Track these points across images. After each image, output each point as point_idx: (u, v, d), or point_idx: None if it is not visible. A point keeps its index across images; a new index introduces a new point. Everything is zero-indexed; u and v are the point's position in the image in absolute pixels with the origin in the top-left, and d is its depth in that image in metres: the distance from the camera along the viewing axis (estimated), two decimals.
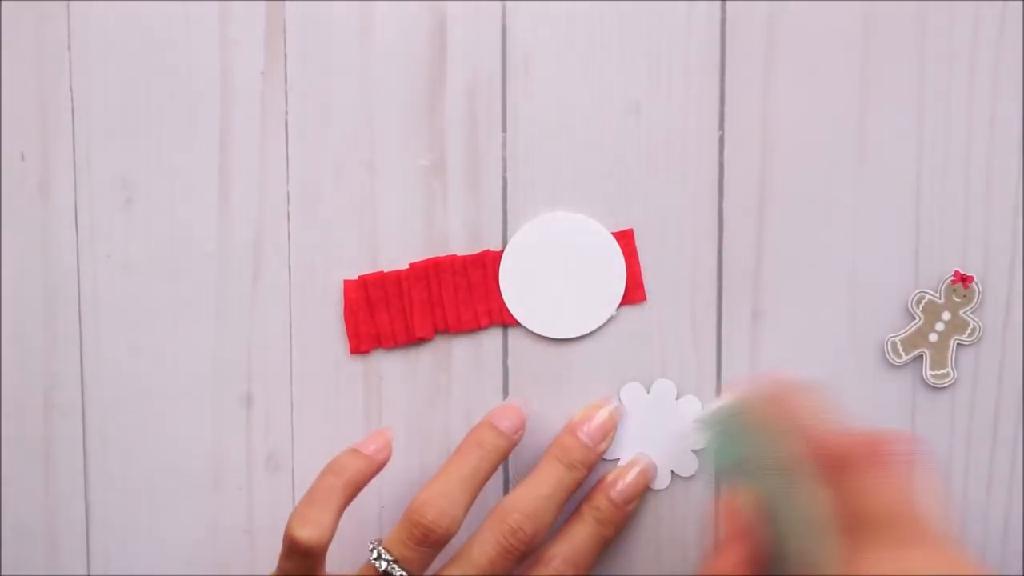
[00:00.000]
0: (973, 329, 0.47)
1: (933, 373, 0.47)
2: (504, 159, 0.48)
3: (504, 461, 0.47)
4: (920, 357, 0.48)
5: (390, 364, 0.49)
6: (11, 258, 0.49)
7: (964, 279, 0.47)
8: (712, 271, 0.48)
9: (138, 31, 0.48)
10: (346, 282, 0.48)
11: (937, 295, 0.47)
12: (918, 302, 0.47)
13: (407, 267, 0.48)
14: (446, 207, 0.48)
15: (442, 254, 0.48)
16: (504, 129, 0.48)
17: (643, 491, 0.48)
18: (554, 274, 0.48)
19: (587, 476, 0.47)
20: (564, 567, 0.46)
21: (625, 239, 0.48)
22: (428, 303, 0.48)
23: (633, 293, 0.48)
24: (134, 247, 0.49)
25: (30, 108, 0.49)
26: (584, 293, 0.48)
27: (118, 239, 0.49)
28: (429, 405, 0.49)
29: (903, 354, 0.47)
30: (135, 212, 0.49)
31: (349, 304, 0.49)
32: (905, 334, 0.47)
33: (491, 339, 0.49)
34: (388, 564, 0.44)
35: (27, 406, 0.50)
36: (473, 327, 0.49)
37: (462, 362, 0.49)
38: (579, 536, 0.46)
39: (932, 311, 0.47)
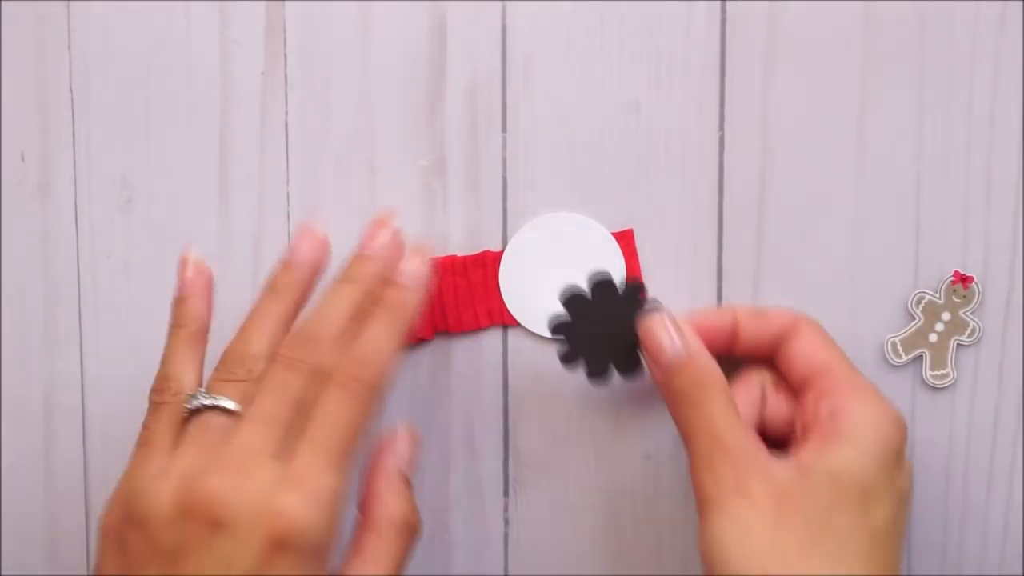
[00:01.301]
0: (973, 329, 0.47)
1: (933, 373, 0.47)
2: (504, 159, 0.48)
3: (310, 288, 0.44)
4: (920, 357, 0.48)
5: None
6: (11, 258, 0.49)
7: (964, 279, 0.47)
8: (712, 271, 0.48)
9: (138, 31, 0.48)
10: None
11: (937, 295, 0.47)
12: (918, 302, 0.47)
13: None
14: (446, 207, 0.48)
15: (442, 254, 0.48)
16: (504, 129, 0.48)
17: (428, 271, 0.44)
18: (554, 274, 0.48)
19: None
20: (352, 378, 0.42)
21: (625, 239, 0.48)
22: (428, 303, 0.48)
23: None
24: (134, 247, 0.49)
25: (30, 108, 0.49)
26: None
27: (118, 239, 0.49)
28: (429, 405, 0.49)
29: (903, 354, 0.47)
30: (135, 212, 0.49)
31: None
32: (905, 334, 0.47)
33: (491, 339, 0.49)
34: (203, 397, 0.42)
35: (27, 406, 0.50)
36: (473, 327, 0.49)
37: (462, 362, 0.49)
38: (368, 336, 0.42)
39: (932, 311, 0.47)
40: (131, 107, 0.48)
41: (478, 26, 0.47)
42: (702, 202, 0.48)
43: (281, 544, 0.38)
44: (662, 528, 0.49)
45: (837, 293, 0.48)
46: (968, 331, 0.47)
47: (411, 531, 0.43)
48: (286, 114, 0.48)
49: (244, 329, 0.44)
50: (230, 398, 0.42)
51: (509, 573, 0.50)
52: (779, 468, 0.41)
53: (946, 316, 0.47)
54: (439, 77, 0.48)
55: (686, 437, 0.43)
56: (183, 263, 0.45)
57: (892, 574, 0.41)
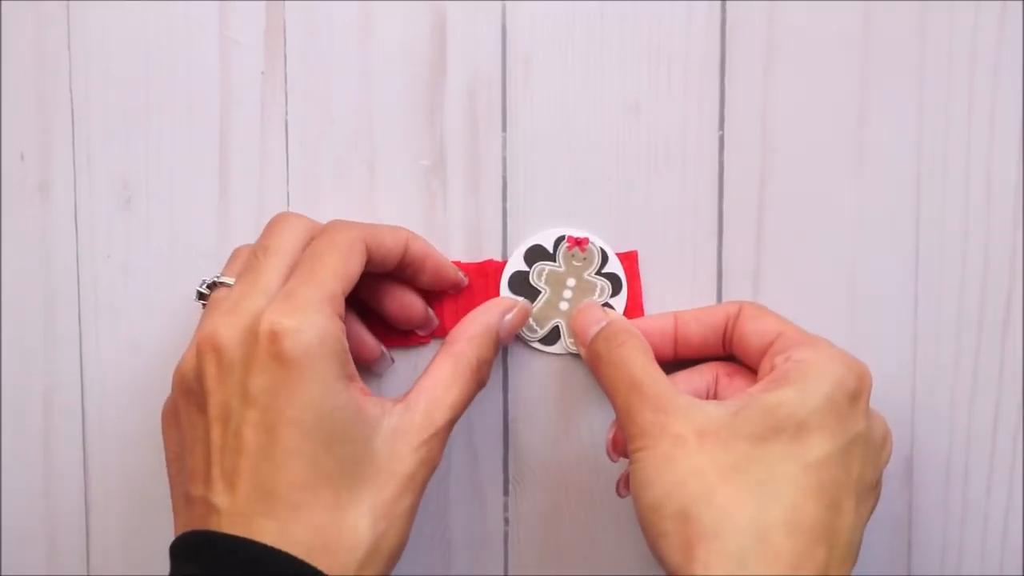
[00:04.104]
0: (602, 288, 0.47)
1: (572, 340, 0.48)
2: (504, 159, 0.48)
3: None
4: (556, 328, 0.47)
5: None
6: (11, 258, 0.49)
7: (579, 242, 0.47)
8: (712, 271, 0.48)
9: (138, 31, 0.48)
10: None
11: (558, 264, 0.47)
12: (539, 275, 0.47)
13: None
14: (446, 207, 0.48)
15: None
16: (504, 129, 0.48)
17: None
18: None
19: None
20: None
21: (629, 261, 0.48)
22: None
23: (632, 314, 0.48)
24: (134, 247, 0.49)
25: (30, 108, 0.49)
26: None
27: (118, 239, 0.49)
28: None
29: (538, 328, 0.47)
30: (135, 212, 0.49)
31: None
32: (536, 308, 0.47)
33: None
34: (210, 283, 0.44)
35: (27, 406, 0.50)
36: None
37: None
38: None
39: (556, 280, 0.47)
40: (131, 107, 0.48)
41: (478, 26, 0.47)
42: (702, 202, 0.48)
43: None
44: None
45: (837, 293, 0.48)
46: (598, 291, 0.47)
47: (481, 381, 0.45)
48: (286, 114, 0.48)
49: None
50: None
51: (509, 573, 0.50)
52: (707, 408, 0.42)
53: (571, 282, 0.47)
54: (439, 77, 0.48)
55: (609, 395, 0.44)
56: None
57: (832, 507, 0.40)
